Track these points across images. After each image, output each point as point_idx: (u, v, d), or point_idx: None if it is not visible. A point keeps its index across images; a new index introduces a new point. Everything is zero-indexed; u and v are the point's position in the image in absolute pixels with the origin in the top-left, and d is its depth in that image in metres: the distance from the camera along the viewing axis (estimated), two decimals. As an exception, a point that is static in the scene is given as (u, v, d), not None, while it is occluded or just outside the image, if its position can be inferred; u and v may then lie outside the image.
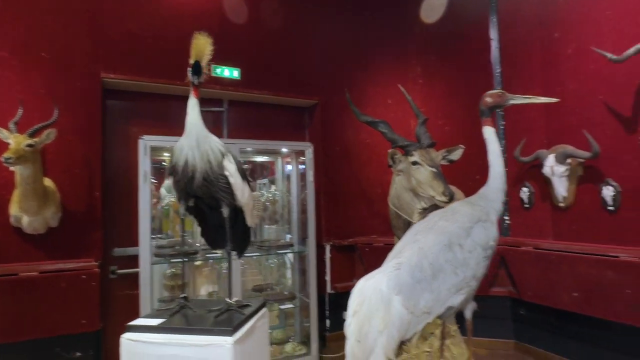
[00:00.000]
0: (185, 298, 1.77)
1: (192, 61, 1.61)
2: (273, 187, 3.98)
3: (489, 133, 1.76)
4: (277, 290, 3.71)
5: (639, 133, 2.79)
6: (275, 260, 3.80)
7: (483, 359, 3.54)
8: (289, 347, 3.55)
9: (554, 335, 3.43)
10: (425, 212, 2.71)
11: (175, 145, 1.65)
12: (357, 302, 1.33)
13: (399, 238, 2.50)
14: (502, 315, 3.80)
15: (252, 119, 4.18)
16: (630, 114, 2.88)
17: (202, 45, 1.60)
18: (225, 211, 1.68)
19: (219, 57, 4.08)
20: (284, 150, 3.64)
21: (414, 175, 2.62)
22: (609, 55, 2.76)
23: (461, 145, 2.74)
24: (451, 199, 2.46)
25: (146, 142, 2.92)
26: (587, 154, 3.02)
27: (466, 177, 3.86)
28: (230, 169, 1.63)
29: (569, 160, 3.19)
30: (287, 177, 3.98)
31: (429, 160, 2.57)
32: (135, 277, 3.01)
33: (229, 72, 3.79)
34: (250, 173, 4.11)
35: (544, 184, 3.45)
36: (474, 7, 4.11)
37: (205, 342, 1.47)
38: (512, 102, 1.77)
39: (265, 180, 4.13)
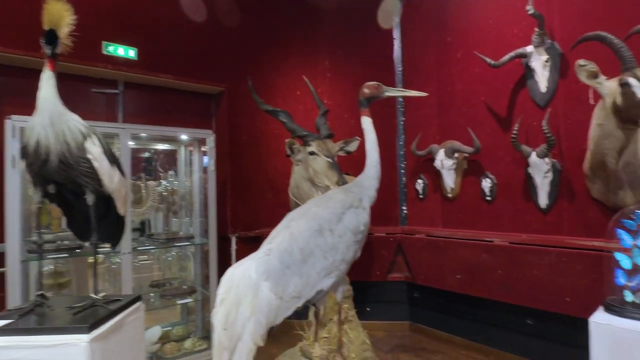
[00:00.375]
0: (42, 296, 1.58)
1: (45, 29, 1.42)
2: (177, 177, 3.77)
3: (367, 123, 1.83)
4: (176, 284, 3.53)
5: (511, 132, 3.12)
6: (174, 254, 3.61)
7: (380, 341, 3.74)
8: (188, 343, 3.40)
9: (443, 315, 3.75)
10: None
11: (26, 125, 1.45)
12: (224, 289, 1.29)
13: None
14: (399, 299, 4.05)
15: (152, 104, 3.90)
16: (505, 115, 3.22)
17: (55, 11, 1.42)
18: (90, 198, 1.53)
19: (113, 35, 3.78)
20: (184, 137, 3.45)
21: (311, 165, 2.65)
22: (488, 60, 3.05)
23: (357, 137, 2.83)
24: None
25: (15, 123, 2.56)
26: (470, 149, 3.32)
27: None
28: (94, 151, 1.48)
29: (456, 155, 3.48)
30: (191, 167, 3.79)
31: (326, 150, 2.62)
32: (2, 278, 2.65)
33: (124, 51, 3.49)
34: (153, 162, 3.85)
35: (436, 177, 3.73)
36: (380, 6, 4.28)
37: (57, 342, 1.33)
38: (387, 94, 1.87)
39: (172, 171, 3.89)
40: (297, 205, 2.91)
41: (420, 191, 3.91)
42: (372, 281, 4.06)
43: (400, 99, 4.16)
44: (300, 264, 1.34)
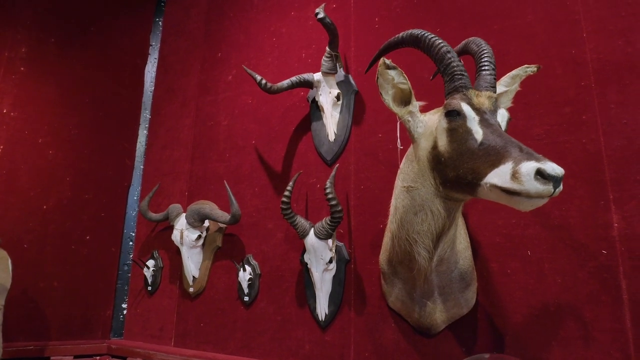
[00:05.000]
0: None
1: None
2: None
3: None
4: None
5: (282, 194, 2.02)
6: None
7: None
8: None
9: None
10: None
11: None
12: None
13: None
14: None
15: None
16: (280, 169, 2.13)
17: None
18: None
19: None
20: None
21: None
22: (258, 77, 1.95)
23: None
24: None
25: None
26: (224, 217, 2.05)
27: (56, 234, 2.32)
28: None
29: (206, 224, 2.16)
30: None
31: None
32: None
33: None
34: None
35: (177, 256, 2.30)
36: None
37: None
38: None
39: None
40: None
41: (150, 279, 2.37)
42: None
43: (145, 132, 2.71)
44: None
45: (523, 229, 1.49)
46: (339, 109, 2.00)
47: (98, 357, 2.26)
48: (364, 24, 2.04)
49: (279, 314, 1.95)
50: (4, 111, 2.47)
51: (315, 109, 2.08)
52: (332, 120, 1.99)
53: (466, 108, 1.07)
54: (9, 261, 1.83)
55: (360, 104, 1.99)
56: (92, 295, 2.41)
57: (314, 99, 2.07)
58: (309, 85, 2.01)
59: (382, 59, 1.16)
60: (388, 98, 1.21)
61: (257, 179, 2.17)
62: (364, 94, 1.99)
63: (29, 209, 2.39)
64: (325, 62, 1.97)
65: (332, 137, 1.98)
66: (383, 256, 1.62)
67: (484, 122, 1.05)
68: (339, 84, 2.02)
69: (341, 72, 2.04)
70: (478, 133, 1.04)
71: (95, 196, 2.51)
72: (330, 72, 1.97)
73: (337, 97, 1.97)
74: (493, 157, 0.97)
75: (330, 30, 1.87)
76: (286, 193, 1.78)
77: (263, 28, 2.40)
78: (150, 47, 2.86)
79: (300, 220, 1.79)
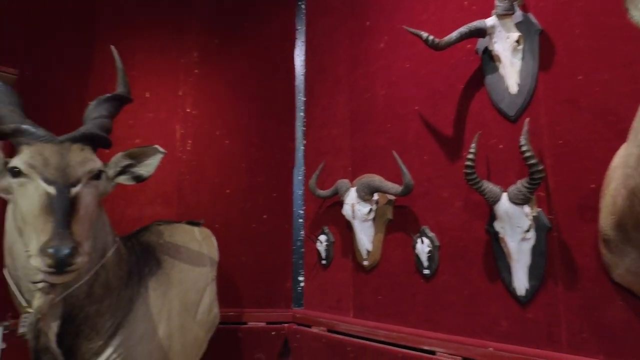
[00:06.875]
0: None
1: None
2: None
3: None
4: None
5: (462, 159, 1.85)
6: None
7: None
8: None
9: None
10: (54, 291, 1.21)
11: None
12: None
13: None
14: None
15: None
16: (451, 132, 1.96)
17: None
18: None
19: None
20: None
21: (17, 202, 1.12)
22: (425, 35, 1.80)
23: (157, 147, 1.36)
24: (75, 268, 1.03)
25: None
26: (396, 188, 1.98)
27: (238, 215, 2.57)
28: None
29: (375, 197, 2.13)
30: None
31: (52, 168, 1.11)
32: None
33: None
34: None
35: (347, 231, 2.34)
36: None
37: None
38: None
39: None
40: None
41: (323, 254, 2.47)
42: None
43: (302, 114, 2.82)
44: None
45: None
46: (520, 55, 1.73)
47: (286, 324, 2.47)
48: (546, -53, 1.70)
49: (466, 288, 1.81)
50: (187, 110, 2.84)
51: (488, 60, 1.84)
52: (512, 70, 1.73)
53: None
54: (213, 238, 2.09)
55: (547, 45, 1.67)
56: (273, 269, 2.63)
57: (486, 48, 1.82)
58: (481, 33, 1.78)
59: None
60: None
61: (425, 146, 2.04)
62: (550, 32, 1.67)
63: (215, 194, 2.72)
64: (499, 2, 1.71)
65: (513, 89, 1.72)
66: (607, 220, 1.35)
67: None
68: (517, 26, 1.73)
69: (519, 13, 1.74)
70: None
71: (266, 179, 2.72)
72: (506, 14, 1.70)
73: (518, 42, 1.70)
74: None
75: (507, -36, 1.60)
76: (469, 156, 1.61)
77: (413, -16, 2.22)
78: (297, 31, 2.93)
79: (489, 186, 1.61)
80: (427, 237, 1.95)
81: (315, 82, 2.77)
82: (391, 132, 2.20)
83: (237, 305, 2.57)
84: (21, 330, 1.15)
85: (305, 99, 2.81)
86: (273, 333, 2.45)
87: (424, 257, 1.94)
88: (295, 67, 2.89)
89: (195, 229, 2.05)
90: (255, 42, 2.92)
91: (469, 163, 1.61)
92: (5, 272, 1.28)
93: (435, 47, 1.78)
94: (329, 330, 2.25)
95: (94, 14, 2.78)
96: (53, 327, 1.28)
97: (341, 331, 2.19)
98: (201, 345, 1.85)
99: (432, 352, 1.79)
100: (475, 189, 1.63)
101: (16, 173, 1.10)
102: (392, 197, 2.11)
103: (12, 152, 1.30)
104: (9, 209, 1.19)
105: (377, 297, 2.16)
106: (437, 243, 1.92)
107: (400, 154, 2.01)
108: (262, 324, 2.47)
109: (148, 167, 1.38)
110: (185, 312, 1.74)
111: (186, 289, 1.78)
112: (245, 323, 2.49)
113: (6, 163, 1.15)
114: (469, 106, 1.89)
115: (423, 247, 1.94)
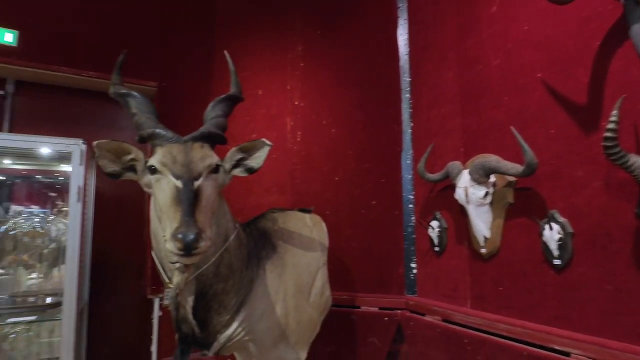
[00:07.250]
0: None
1: None
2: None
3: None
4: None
5: (600, 130, 1.56)
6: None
7: None
8: None
9: None
10: (189, 270, 1.39)
11: None
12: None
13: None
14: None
15: (47, 107, 2.84)
16: (584, 100, 1.66)
17: None
18: None
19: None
20: (46, 152, 2.26)
21: (155, 194, 1.32)
22: (546, -12, 1.55)
23: (265, 140, 1.45)
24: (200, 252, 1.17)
25: None
26: (517, 169, 1.77)
27: (347, 201, 2.62)
28: None
29: (492, 179, 1.94)
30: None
31: (179, 165, 1.27)
32: None
33: (-3, 34, 2.47)
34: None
35: (460, 216, 2.19)
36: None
37: None
38: None
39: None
40: (163, 273, 1.55)
41: (436, 240, 2.36)
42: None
43: (407, 95, 2.71)
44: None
45: None
46: (682, -6, 1.37)
47: (399, 311, 2.44)
48: None
49: (609, 282, 1.54)
50: (295, 103, 2.97)
51: (632, 6, 1.50)
52: (670, 13, 1.38)
53: None
54: (324, 224, 2.16)
55: None
56: (384, 255, 2.62)
57: (632, -7, 1.49)
58: (623, -26, 1.46)
59: None
60: None
61: (551, 118, 1.77)
62: None
63: (325, 182, 2.81)
64: None
65: (673, 38, 1.38)
66: None
67: None
68: (677, -43, 1.37)
69: (679, -62, 1.37)
70: None
71: (374, 165, 2.70)
72: (660, -56, 1.36)
73: (678, -24, 1.34)
74: None
75: None
76: (610, 125, 1.34)
77: None
78: (398, 9, 2.81)
79: (637, 160, 1.33)
80: (558, 222, 1.70)
81: (420, 60, 2.62)
82: (508, 105, 1.97)
83: (349, 289, 2.63)
84: (165, 301, 1.36)
85: (410, 79, 2.69)
86: (386, 319, 2.44)
87: (553, 246, 1.70)
88: (399, 47, 2.77)
89: (307, 216, 2.14)
90: (356, 28, 2.90)
91: (609, 135, 1.35)
92: (153, 254, 1.53)
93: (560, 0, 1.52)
94: (444, 320, 2.15)
95: (213, 17, 3.10)
96: (189, 301, 1.50)
97: (457, 321, 2.08)
98: (315, 326, 1.95)
99: (567, 354, 1.57)
100: (619, 165, 1.36)
101: (153, 170, 1.31)
102: (512, 179, 1.89)
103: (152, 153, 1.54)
104: (152, 201, 1.41)
105: (498, 288, 1.98)
106: (570, 230, 1.66)
107: (520, 130, 1.78)
108: (375, 309, 2.48)
109: (257, 159, 1.49)
110: (299, 293, 1.84)
111: (299, 272, 1.88)
112: (358, 307, 2.54)
113: (146, 162, 1.37)
114: (608, 66, 1.58)
115: (552, 234, 1.70)
